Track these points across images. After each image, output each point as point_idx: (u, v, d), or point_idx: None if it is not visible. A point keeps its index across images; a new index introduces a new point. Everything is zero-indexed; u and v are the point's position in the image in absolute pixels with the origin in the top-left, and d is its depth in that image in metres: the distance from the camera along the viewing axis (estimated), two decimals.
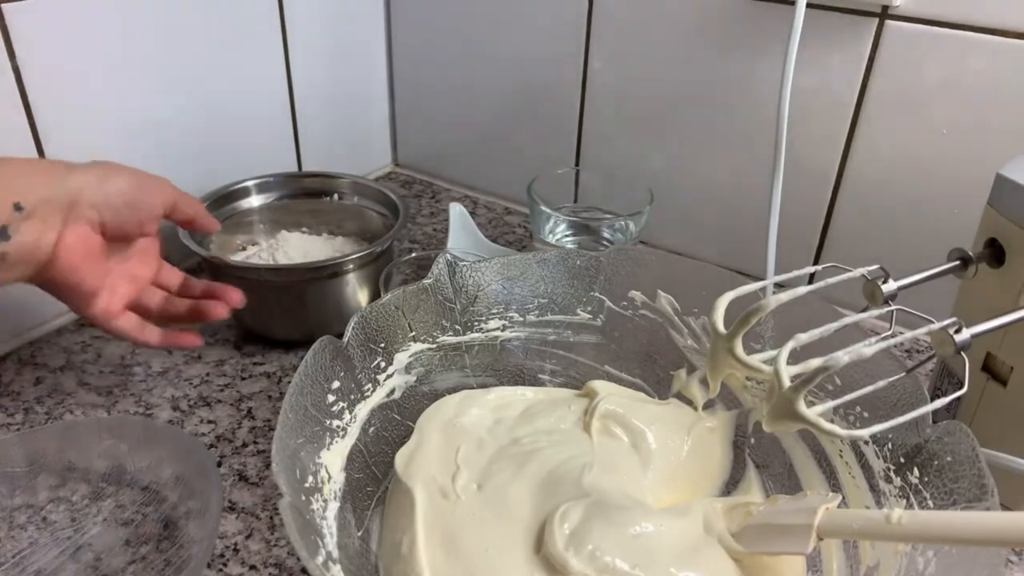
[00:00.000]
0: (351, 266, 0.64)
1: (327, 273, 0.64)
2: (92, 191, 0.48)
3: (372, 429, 0.48)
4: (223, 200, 0.72)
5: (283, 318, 0.65)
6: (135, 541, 0.48)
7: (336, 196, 0.76)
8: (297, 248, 0.72)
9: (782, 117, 0.60)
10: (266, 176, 0.75)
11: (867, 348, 0.35)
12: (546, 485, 0.46)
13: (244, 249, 0.73)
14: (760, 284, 0.45)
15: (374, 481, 0.48)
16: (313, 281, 0.64)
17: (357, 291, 0.66)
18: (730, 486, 0.51)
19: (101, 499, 0.50)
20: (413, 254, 0.70)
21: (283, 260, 0.70)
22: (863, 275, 0.42)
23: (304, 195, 0.76)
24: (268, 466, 0.54)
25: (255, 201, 0.74)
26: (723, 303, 0.42)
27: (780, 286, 0.49)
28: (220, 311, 0.56)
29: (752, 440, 0.52)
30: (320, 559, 0.36)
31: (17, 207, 0.44)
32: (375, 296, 0.66)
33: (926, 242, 0.67)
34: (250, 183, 0.73)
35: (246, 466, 0.54)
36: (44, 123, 0.63)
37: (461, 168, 0.96)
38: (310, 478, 0.41)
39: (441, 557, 0.42)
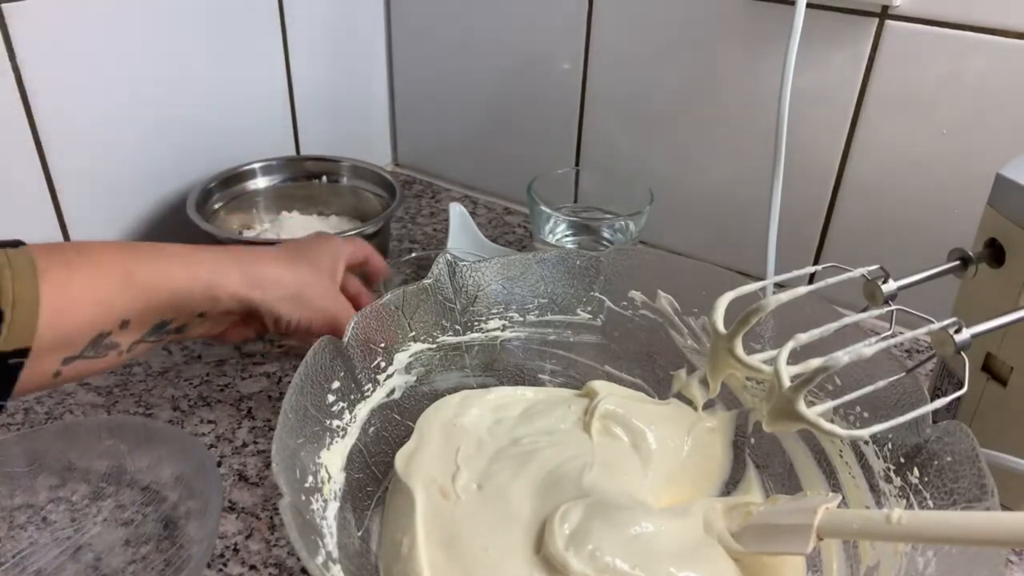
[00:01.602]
0: None
1: None
2: (267, 304, 0.48)
3: (372, 429, 0.48)
4: (226, 183, 0.75)
5: None
6: (135, 541, 0.48)
7: (335, 179, 0.79)
8: (299, 228, 0.74)
9: (782, 117, 0.60)
10: (268, 159, 0.78)
11: (867, 348, 0.35)
12: (546, 485, 0.46)
13: (240, 233, 0.74)
14: (760, 284, 0.44)
15: (374, 481, 0.48)
16: None
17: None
18: (730, 486, 0.51)
19: (101, 499, 0.50)
20: (413, 254, 0.71)
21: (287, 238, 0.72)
22: (863, 275, 0.42)
23: (304, 178, 0.79)
24: (268, 466, 0.54)
25: (260, 183, 0.78)
26: (723, 303, 0.42)
27: (780, 286, 0.49)
28: None
29: (752, 440, 0.52)
30: (320, 559, 0.36)
31: (200, 315, 0.46)
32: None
33: (926, 242, 0.67)
34: (255, 165, 0.77)
35: (246, 466, 0.54)
36: (44, 123, 0.63)
37: (461, 168, 0.96)
38: (310, 478, 0.41)
39: (441, 557, 0.42)
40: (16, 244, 0.38)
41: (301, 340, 0.50)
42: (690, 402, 0.54)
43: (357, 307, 0.58)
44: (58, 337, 0.38)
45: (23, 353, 0.37)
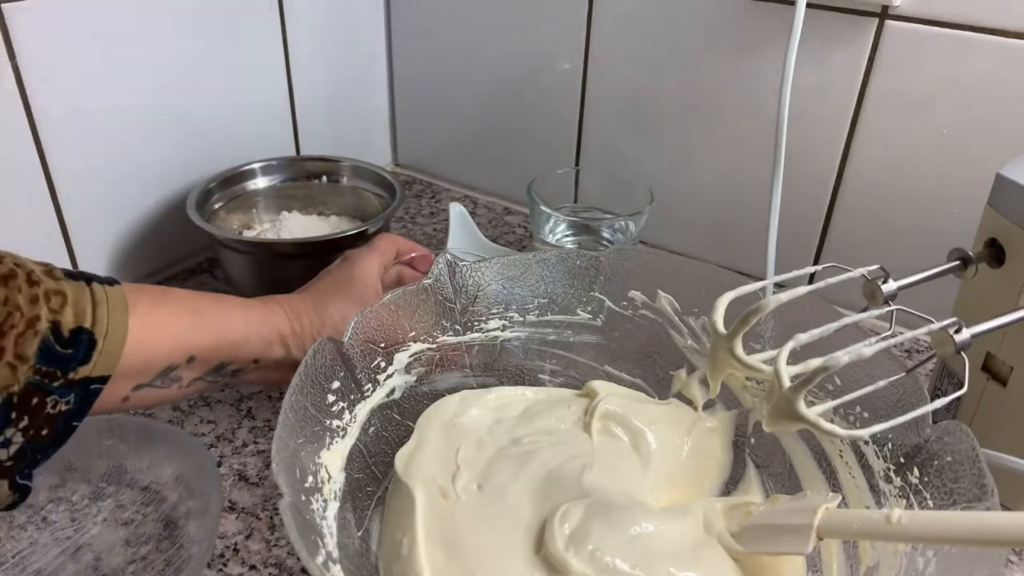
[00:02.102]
0: (348, 243, 0.66)
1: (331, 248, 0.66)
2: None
3: (372, 429, 0.48)
4: (226, 183, 0.75)
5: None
6: (135, 541, 0.48)
7: (335, 179, 0.79)
8: (299, 228, 0.74)
9: (782, 117, 0.60)
10: (268, 159, 0.78)
11: (867, 348, 0.35)
12: (546, 485, 0.46)
13: (240, 234, 0.74)
14: (760, 284, 0.44)
15: (374, 481, 0.48)
16: (316, 255, 0.66)
17: None
18: (730, 486, 0.51)
19: (101, 499, 0.50)
20: (413, 254, 0.71)
21: (287, 237, 0.73)
22: (863, 275, 0.42)
23: (304, 178, 0.79)
24: (268, 466, 0.54)
25: (260, 183, 0.78)
26: (723, 303, 0.42)
27: (780, 286, 0.49)
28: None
29: (752, 440, 0.52)
30: (320, 559, 0.36)
31: (255, 361, 0.49)
32: None
33: (926, 242, 0.67)
34: (255, 165, 0.77)
35: (246, 466, 0.54)
36: (44, 123, 0.63)
37: (461, 168, 0.96)
38: (310, 478, 0.41)
39: (441, 557, 0.42)
40: (112, 282, 0.41)
41: None
42: (690, 402, 0.54)
43: None
44: (135, 366, 0.42)
45: (105, 380, 0.40)
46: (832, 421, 0.39)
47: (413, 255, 0.61)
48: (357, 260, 0.56)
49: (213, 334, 0.46)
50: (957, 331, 0.39)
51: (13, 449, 0.37)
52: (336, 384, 0.45)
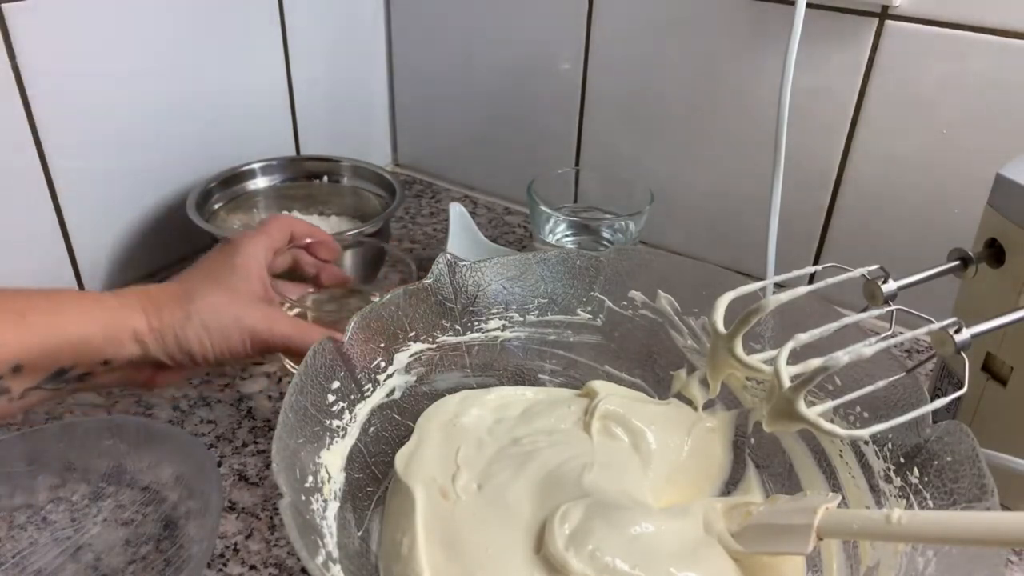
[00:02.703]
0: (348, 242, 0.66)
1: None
2: (176, 344, 0.46)
3: (372, 429, 0.48)
4: (226, 183, 0.75)
5: None
6: (135, 541, 0.48)
7: (335, 179, 0.80)
8: None
9: (782, 117, 0.60)
10: (268, 159, 0.78)
11: (867, 348, 0.35)
12: (546, 485, 0.46)
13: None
14: (760, 284, 0.44)
15: (374, 481, 0.48)
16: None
17: (357, 269, 0.68)
18: (730, 486, 0.51)
19: (101, 499, 0.50)
20: (413, 254, 0.71)
21: None
22: (863, 275, 0.42)
23: (304, 178, 0.80)
24: (268, 466, 0.54)
25: (260, 183, 0.78)
26: (723, 303, 0.42)
27: (780, 286, 0.49)
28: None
29: (752, 440, 0.52)
30: (320, 559, 0.36)
31: (105, 362, 0.44)
32: (373, 272, 0.68)
33: (926, 242, 0.67)
34: (255, 165, 0.77)
35: (246, 466, 0.54)
36: (44, 123, 0.63)
37: (461, 168, 0.96)
38: (310, 478, 0.41)
39: (441, 557, 0.42)
40: None
41: (237, 362, 0.50)
42: (690, 402, 0.54)
43: (319, 284, 0.59)
44: None
45: None
46: (832, 421, 0.39)
47: (309, 240, 0.57)
48: (240, 245, 0.51)
49: (42, 336, 0.40)
50: (957, 331, 0.39)
51: None
52: (336, 384, 0.45)
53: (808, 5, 0.60)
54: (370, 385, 0.48)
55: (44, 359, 0.41)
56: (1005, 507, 0.40)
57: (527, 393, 0.55)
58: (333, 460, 0.44)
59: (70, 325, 0.42)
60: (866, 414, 0.45)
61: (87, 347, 0.42)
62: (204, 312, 0.46)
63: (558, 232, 0.71)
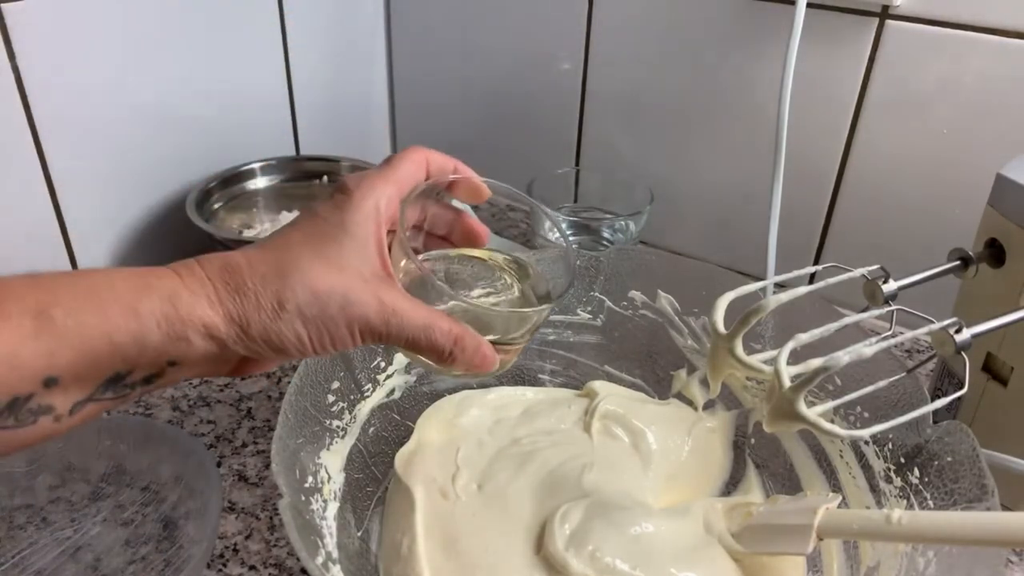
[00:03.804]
0: None
1: None
2: (266, 337, 0.34)
3: (372, 429, 0.48)
4: (226, 183, 0.75)
5: None
6: (135, 541, 0.48)
7: (335, 179, 0.80)
8: None
9: (782, 117, 0.60)
10: (268, 159, 0.78)
11: (867, 348, 0.35)
12: (546, 485, 0.46)
13: (240, 233, 0.74)
14: (760, 284, 0.44)
15: (374, 481, 0.48)
16: None
17: None
18: (730, 486, 0.51)
19: (101, 499, 0.50)
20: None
21: None
22: (863, 275, 0.42)
23: (304, 178, 0.80)
24: (268, 466, 0.54)
25: (259, 183, 0.78)
26: (723, 303, 0.42)
27: (780, 286, 0.49)
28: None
29: (752, 440, 0.52)
30: (320, 559, 0.36)
31: (172, 364, 0.33)
32: None
33: (926, 242, 0.67)
34: (255, 165, 0.78)
35: (246, 466, 0.54)
36: (44, 123, 0.63)
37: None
38: (310, 478, 0.41)
39: (441, 557, 0.42)
40: None
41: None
42: (690, 402, 0.54)
43: (449, 242, 0.42)
44: None
45: None
46: (832, 421, 0.39)
47: (454, 177, 0.42)
48: (355, 198, 0.36)
49: (75, 342, 0.30)
50: (957, 331, 0.39)
51: None
52: (336, 384, 0.45)
53: (808, 5, 0.60)
54: (370, 385, 0.48)
55: (86, 369, 0.31)
56: (1005, 507, 0.40)
57: (527, 393, 0.55)
58: (333, 460, 0.44)
59: (111, 324, 0.31)
60: (866, 414, 0.45)
61: (141, 349, 0.32)
62: (302, 298, 0.33)
63: (557, 231, 0.71)
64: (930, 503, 0.39)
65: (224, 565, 0.47)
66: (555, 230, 0.71)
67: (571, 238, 0.71)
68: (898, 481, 0.42)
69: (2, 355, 0.29)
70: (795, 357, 0.37)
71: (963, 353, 0.39)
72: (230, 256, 0.34)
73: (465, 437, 0.50)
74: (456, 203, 0.43)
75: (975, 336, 0.39)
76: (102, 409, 0.33)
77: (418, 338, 0.36)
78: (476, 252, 0.43)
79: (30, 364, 0.30)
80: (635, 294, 0.55)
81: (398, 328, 0.35)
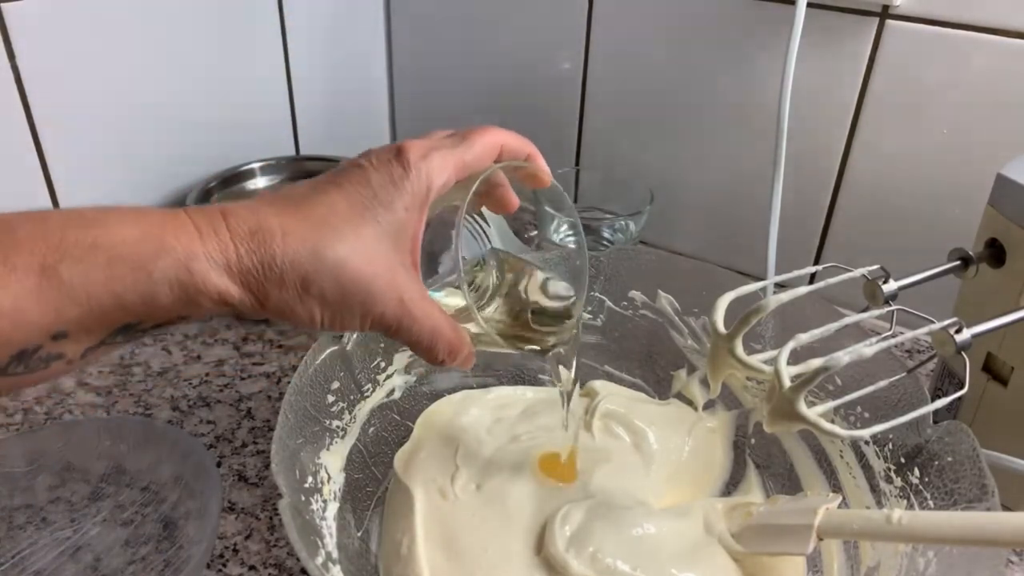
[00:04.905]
0: None
1: None
2: (280, 310, 0.33)
3: (372, 429, 0.48)
4: (226, 183, 0.75)
5: None
6: (134, 541, 0.48)
7: None
8: None
9: (782, 117, 0.60)
10: (268, 159, 0.78)
11: (867, 348, 0.35)
12: (546, 485, 0.46)
13: None
14: (760, 284, 0.44)
15: (374, 481, 0.48)
16: None
17: None
18: (730, 486, 0.51)
19: (100, 499, 0.50)
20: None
21: None
22: (863, 275, 0.42)
23: (304, 178, 0.79)
24: (268, 466, 0.54)
25: (259, 183, 0.78)
26: (723, 303, 0.42)
27: (780, 286, 0.49)
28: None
29: (752, 440, 0.52)
30: (320, 559, 0.36)
31: (184, 318, 0.33)
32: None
33: (926, 242, 0.66)
34: (255, 165, 0.78)
35: (246, 466, 0.54)
36: (44, 122, 0.63)
37: None
38: (310, 478, 0.41)
39: (441, 558, 0.42)
40: None
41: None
42: (690, 402, 0.54)
43: (504, 209, 0.41)
44: None
45: None
46: (833, 421, 0.39)
47: (519, 165, 0.41)
48: (414, 176, 0.35)
49: (82, 300, 0.29)
50: (958, 331, 0.39)
51: None
52: (336, 384, 0.45)
53: (808, 5, 0.60)
54: (370, 385, 0.48)
55: (94, 323, 0.30)
56: (1005, 507, 0.40)
57: (527, 393, 0.55)
58: (333, 460, 0.44)
59: (119, 283, 0.29)
60: (867, 414, 0.45)
61: (151, 308, 0.31)
62: (327, 285, 0.32)
63: (560, 232, 0.71)
64: (930, 503, 0.39)
65: (224, 565, 0.47)
66: (557, 232, 0.71)
67: (572, 238, 0.71)
68: (898, 481, 0.42)
69: (7, 310, 0.28)
70: (795, 357, 0.37)
71: (963, 353, 0.39)
72: (264, 217, 0.32)
73: (465, 437, 0.50)
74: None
75: (975, 336, 0.39)
76: (114, 349, 0.33)
77: (420, 342, 0.36)
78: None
79: (36, 320, 0.29)
80: (635, 294, 0.55)
81: (407, 330, 0.35)
